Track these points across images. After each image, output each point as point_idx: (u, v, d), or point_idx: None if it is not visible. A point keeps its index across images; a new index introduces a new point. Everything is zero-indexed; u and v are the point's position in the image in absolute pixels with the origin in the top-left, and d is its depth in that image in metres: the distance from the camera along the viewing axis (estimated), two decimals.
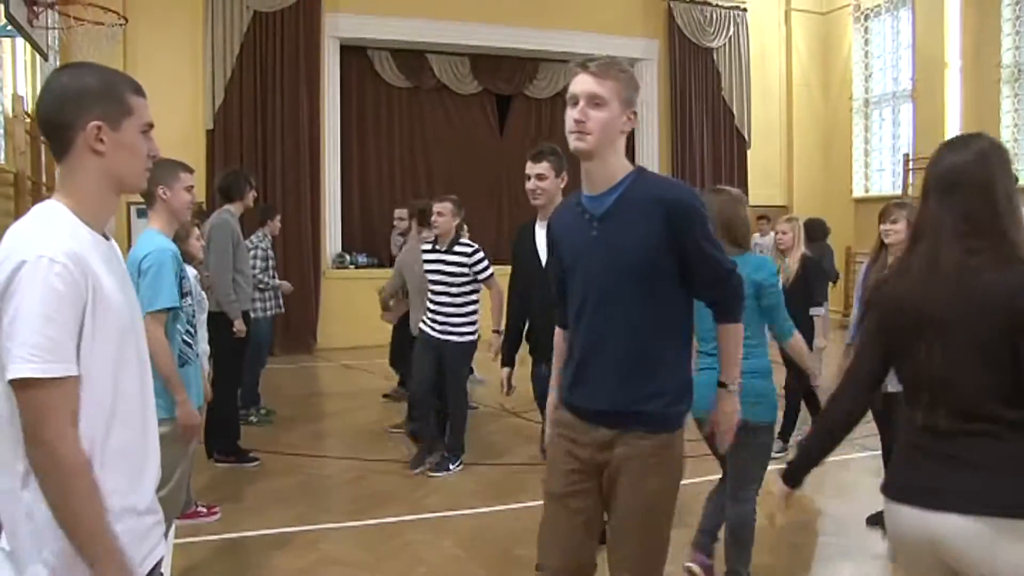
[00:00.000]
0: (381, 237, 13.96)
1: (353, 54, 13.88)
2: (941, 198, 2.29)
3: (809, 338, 5.98)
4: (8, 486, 1.78)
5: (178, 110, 11.51)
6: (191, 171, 4.03)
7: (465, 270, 6.14)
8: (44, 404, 1.69)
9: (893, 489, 2.31)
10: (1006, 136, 13.60)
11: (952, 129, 14.27)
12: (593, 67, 2.68)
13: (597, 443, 2.74)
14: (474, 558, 4.73)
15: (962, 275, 2.18)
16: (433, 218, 6.27)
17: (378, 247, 13.57)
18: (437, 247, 6.30)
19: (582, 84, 2.69)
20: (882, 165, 16.23)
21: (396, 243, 9.63)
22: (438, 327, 6.23)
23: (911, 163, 14.90)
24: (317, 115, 13.11)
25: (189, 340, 3.89)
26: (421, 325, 6.41)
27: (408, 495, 5.80)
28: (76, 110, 1.86)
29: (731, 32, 15.82)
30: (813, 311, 6.36)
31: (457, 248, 6.22)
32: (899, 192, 15.01)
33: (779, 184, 16.38)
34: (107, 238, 1.97)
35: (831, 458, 2.54)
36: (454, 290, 6.17)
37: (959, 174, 2.28)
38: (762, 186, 15.90)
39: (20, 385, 1.69)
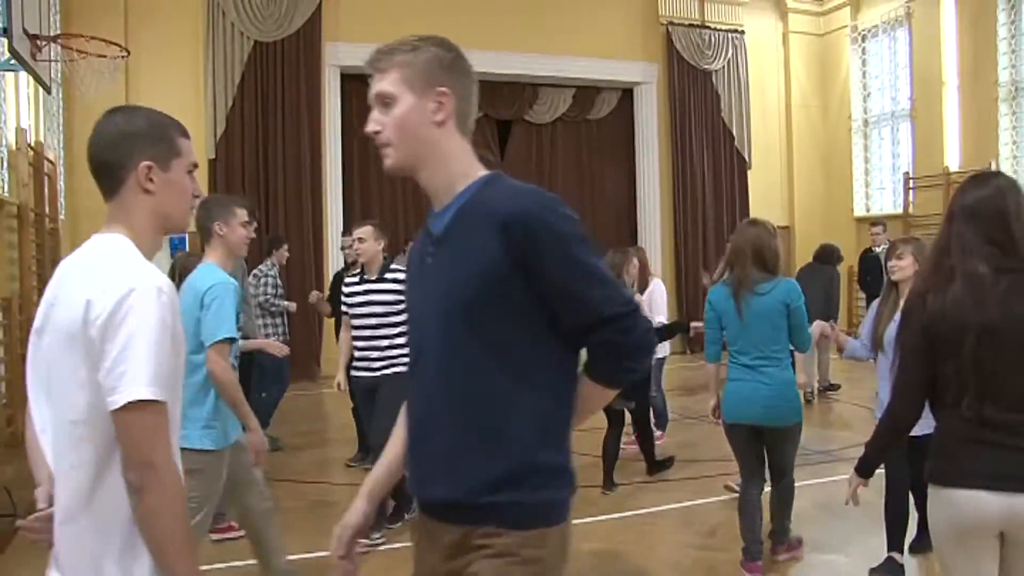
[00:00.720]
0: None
1: (354, 82, 13.92)
2: (966, 222, 2.66)
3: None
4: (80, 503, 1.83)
5: None
6: (246, 207, 4.11)
7: (402, 297, 5.10)
8: (154, 427, 1.76)
9: (952, 476, 2.59)
10: (1005, 153, 13.65)
11: (951, 147, 14.35)
12: (372, 60, 2.03)
13: (445, 547, 1.98)
14: None
15: (1007, 287, 2.55)
16: (355, 246, 5.69)
17: None
18: (365, 277, 5.64)
19: (372, 87, 2.03)
20: (882, 184, 16.29)
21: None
22: (376, 363, 5.56)
23: (911, 181, 14.96)
24: (319, 143, 13.19)
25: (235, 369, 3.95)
26: (353, 372, 5.78)
27: None
28: (129, 150, 1.94)
29: (729, 54, 15.92)
30: None
31: (389, 275, 5.57)
32: (900, 211, 15.07)
33: (780, 204, 16.42)
34: None
35: None
36: (392, 318, 5.48)
37: (981, 204, 2.66)
38: (763, 206, 15.91)
39: (132, 407, 1.73)
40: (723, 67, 15.88)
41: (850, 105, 16.58)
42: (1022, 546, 2.54)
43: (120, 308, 1.76)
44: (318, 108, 13.21)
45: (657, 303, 7.35)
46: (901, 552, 4.56)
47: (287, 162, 12.88)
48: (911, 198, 15.01)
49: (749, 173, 16.11)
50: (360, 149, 14.27)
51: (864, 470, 2.94)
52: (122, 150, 1.94)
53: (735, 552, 4.70)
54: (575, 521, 2.07)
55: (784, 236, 16.16)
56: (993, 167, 13.37)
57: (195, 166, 2.07)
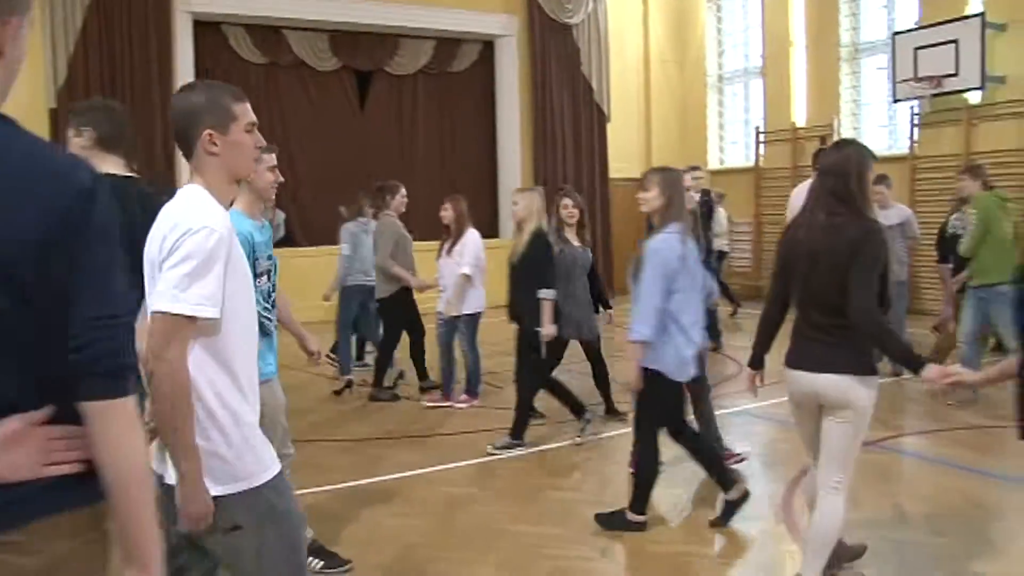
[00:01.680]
0: None
1: (207, 30, 13.46)
2: (820, 179, 3.65)
3: (537, 322, 6.05)
4: None
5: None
6: (273, 151, 4.03)
7: None
8: (172, 331, 2.15)
9: (789, 360, 3.64)
10: (845, 111, 14.33)
11: (798, 104, 14.97)
12: None
13: None
14: None
15: (832, 228, 3.48)
16: None
17: None
18: None
19: None
20: (735, 138, 16.87)
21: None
22: None
23: (761, 136, 15.55)
24: (170, 93, 12.64)
25: (267, 315, 3.76)
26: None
27: None
28: (193, 123, 2.36)
29: (590, 8, 16.05)
30: (542, 294, 6.06)
31: None
32: (751, 164, 15.67)
33: (638, 157, 16.79)
34: None
35: None
36: None
37: (831, 166, 3.59)
38: (622, 159, 16.29)
39: (157, 316, 2.17)
40: (583, 21, 16.00)
41: (705, 61, 17.03)
42: (828, 412, 3.52)
43: (177, 242, 2.20)
44: (169, 56, 12.66)
45: (464, 254, 7.13)
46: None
47: (137, 112, 12.32)
48: (761, 152, 15.62)
49: (608, 126, 16.38)
50: None
51: (755, 363, 3.89)
52: (188, 123, 2.36)
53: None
54: None
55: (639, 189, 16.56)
56: (835, 124, 14.09)
57: (253, 124, 2.44)
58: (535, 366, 6.23)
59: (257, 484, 2.36)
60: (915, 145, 13.01)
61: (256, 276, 3.78)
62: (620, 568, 4.28)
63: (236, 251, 2.34)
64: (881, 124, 14.15)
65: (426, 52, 15.44)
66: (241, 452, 2.33)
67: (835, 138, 14.04)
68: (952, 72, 11.97)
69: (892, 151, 13.28)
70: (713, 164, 16.77)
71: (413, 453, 6.06)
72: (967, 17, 11.94)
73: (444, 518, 4.85)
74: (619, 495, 5.03)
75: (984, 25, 11.65)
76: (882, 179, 7.67)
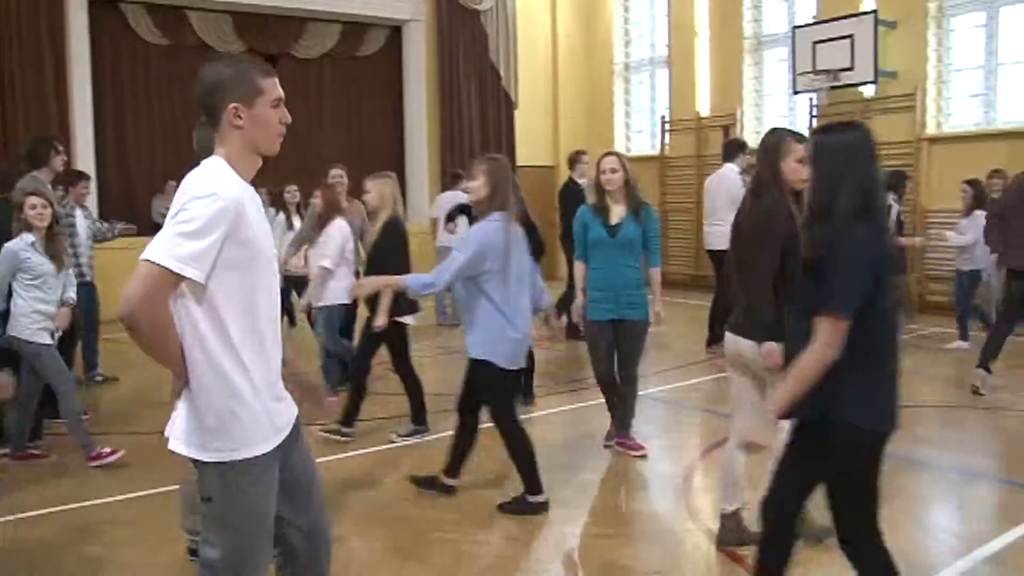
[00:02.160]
0: (143, 203, 13.31)
1: (104, 9, 13.04)
2: (758, 163, 3.96)
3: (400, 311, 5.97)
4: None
5: None
6: None
7: None
8: (147, 280, 2.21)
9: (728, 327, 4.06)
10: (748, 101, 14.67)
11: (702, 94, 15.26)
12: None
13: None
14: None
15: (751, 206, 3.95)
16: None
17: (139, 214, 12.90)
18: None
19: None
20: (641, 126, 17.11)
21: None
22: None
23: (667, 125, 15.81)
24: (64, 75, 12.23)
25: None
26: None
27: None
28: (220, 96, 2.41)
29: None
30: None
31: None
32: (656, 152, 15.92)
33: (545, 144, 16.91)
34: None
35: None
36: None
37: (761, 153, 3.93)
38: (529, 146, 16.38)
39: (142, 263, 2.22)
40: (492, 7, 16.00)
41: (613, 50, 17.22)
42: (756, 374, 3.93)
43: (183, 205, 2.27)
44: (62, 36, 12.21)
45: (328, 245, 6.72)
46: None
47: (28, 95, 11.89)
48: (667, 140, 15.88)
49: (516, 112, 16.44)
50: (113, 81, 13.39)
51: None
52: (215, 96, 2.41)
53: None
54: None
55: (548, 176, 16.79)
56: (738, 114, 14.42)
57: (280, 100, 2.48)
58: (361, 350, 6.22)
59: (228, 460, 2.38)
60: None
61: None
62: (522, 549, 4.34)
63: (249, 228, 2.35)
64: (782, 115, 14.51)
65: (332, 36, 15.24)
66: (224, 423, 2.37)
67: (738, 128, 14.43)
68: (848, 66, 12.38)
69: None
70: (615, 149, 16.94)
71: (315, 444, 6.03)
72: (861, 14, 12.34)
73: (339, 502, 4.84)
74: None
75: (877, 22, 12.07)
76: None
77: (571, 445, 6.00)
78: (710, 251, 9.40)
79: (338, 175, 7.96)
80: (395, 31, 15.77)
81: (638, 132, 17.21)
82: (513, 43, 16.27)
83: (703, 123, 15.08)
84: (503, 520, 4.62)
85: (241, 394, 2.38)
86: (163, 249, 2.22)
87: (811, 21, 13.21)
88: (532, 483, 4.71)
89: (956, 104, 12.24)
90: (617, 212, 5.44)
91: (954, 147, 11.74)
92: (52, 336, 5.54)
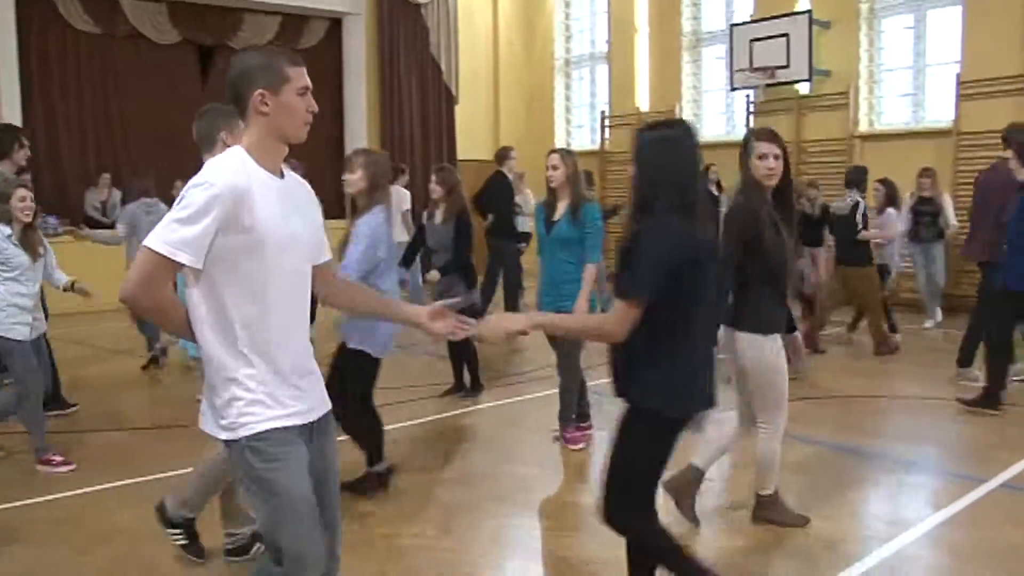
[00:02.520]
0: (76, 196, 13.00)
1: None
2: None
3: None
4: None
5: None
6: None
7: None
8: (145, 265, 2.33)
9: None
10: (687, 97, 14.85)
11: (642, 90, 15.40)
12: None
13: None
14: None
15: (733, 201, 4.25)
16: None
17: (72, 207, 12.61)
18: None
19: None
20: (581, 121, 17.21)
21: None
22: None
23: (607, 120, 15.92)
24: None
25: None
26: None
27: None
28: (247, 82, 2.44)
29: None
30: None
31: None
32: (596, 147, 16.02)
33: (486, 139, 16.91)
34: (282, 175, 2.55)
35: None
36: None
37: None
38: (469, 140, 16.37)
39: (143, 249, 2.34)
40: (432, 1, 15.95)
41: (553, 45, 17.28)
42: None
43: (183, 193, 2.37)
44: None
45: None
46: None
47: None
48: (606, 135, 16.00)
49: (457, 107, 16.41)
50: (41, 69, 13.04)
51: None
52: (242, 84, 2.45)
53: None
54: None
55: (488, 170, 16.67)
56: (677, 110, 14.58)
57: (306, 88, 2.50)
58: None
59: (234, 438, 2.45)
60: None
61: None
62: (458, 542, 4.35)
63: (251, 215, 2.37)
64: (719, 111, 14.73)
65: (271, 28, 15.06)
66: (227, 402, 2.44)
67: None
68: (784, 64, 12.61)
69: (730, 137, 13.83)
70: (560, 147, 17.03)
71: None
72: (797, 13, 12.57)
73: None
74: (469, 474, 5.14)
75: (811, 22, 12.31)
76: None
77: (510, 438, 6.04)
78: None
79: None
80: (335, 24, 15.64)
81: (578, 127, 17.31)
82: (454, 38, 16.24)
83: (643, 119, 15.21)
84: (439, 514, 4.62)
85: (239, 379, 2.43)
86: (159, 235, 2.33)
87: (748, 19, 13.43)
88: (376, 455, 4.87)
89: (887, 103, 12.54)
90: (560, 208, 5.55)
91: (885, 145, 12.03)
92: (31, 331, 5.35)
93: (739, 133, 13.94)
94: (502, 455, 5.57)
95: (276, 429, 2.44)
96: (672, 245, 2.78)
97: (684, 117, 14.60)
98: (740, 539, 4.24)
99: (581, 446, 5.72)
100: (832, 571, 3.82)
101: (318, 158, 15.09)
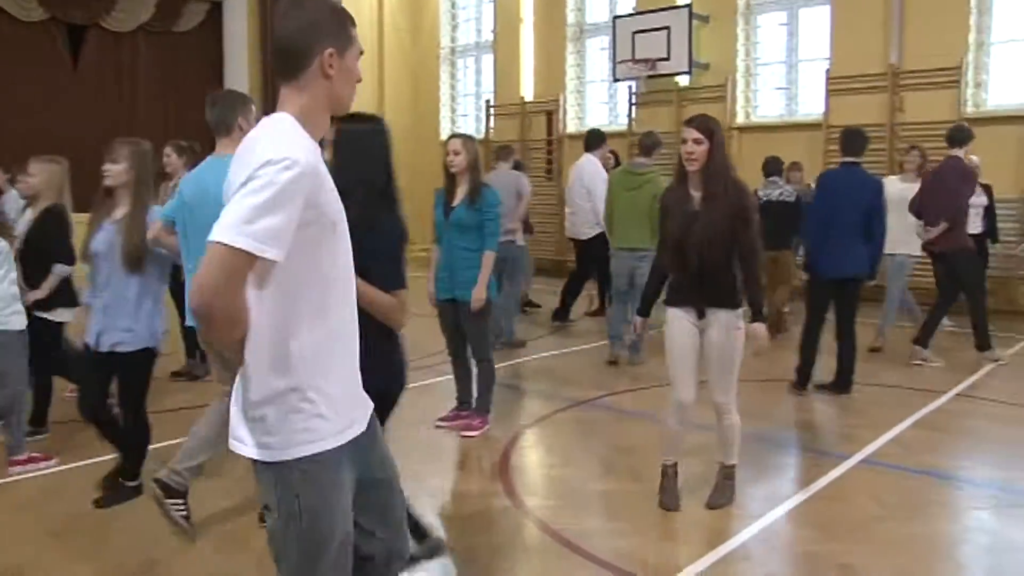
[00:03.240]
0: None
1: None
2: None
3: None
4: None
5: None
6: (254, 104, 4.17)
7: None
8: (220, 263, 1.87)
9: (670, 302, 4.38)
10: (570, 88, 15.04)
11: (527, 79, 15.52)
12: None
13: None
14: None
15: None
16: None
17: None
18: None
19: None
20: (467, 110, 17.23)
21: None
22: None
23: (492, 109, 15.99)
24: None
25: None
26: None
27: None
28: (315, 37, 2.06)
29: None
30: (57, 269, 5.41)
31: None
32: (481, 136, 16.07)
33: None
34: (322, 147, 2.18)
35: None
36: None
37: None
38: None
39: (212, 245, 1.87)
40: None
41: (439, 33, 17.24)
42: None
43: (254, 173, 1.90)
44: None
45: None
46: None
47: None
48: (491, 124, 16.06)
49: None
50: None
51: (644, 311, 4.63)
52: (310, 37, 2.06)
53: None
54: None
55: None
56: (561, 100, 14.76)
57: (361, 53, 2.20)
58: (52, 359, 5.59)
59: (285, 458, 2.05)
60: (633, 122, 13.88)
61: None
62: None
63: (324, 195, 2.03)
64: (603, 101, 14.97)
65: (147, 9, 14.58)
66: (280, 417, 2.05)
67: (560, 113, 14.77)
68: (664, 56, 12.90)
69: (612, 127, 14.07)
70: (445, 135, 16.97)
71: None
72: (677, 7, 12.88)
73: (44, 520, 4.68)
74: None
75: (691, 16, 12.64)
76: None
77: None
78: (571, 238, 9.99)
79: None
80: (215, 7, 15.25)
81: (463, 116, 17.33)
82: None
83: (527, 108, 15.35)
84: None
85: (300, 388, 2.06)
86: (236, 227, 1.86)
87: (630, 12, 13.68)
88: (135, 470, 4.52)
89: (762, 96, 12.98)
90: (459, 195, 5.58)
91: (761, 136, 12.44)
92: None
93: (621, 123, 14.24)
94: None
95: (334, 449, 2.11)
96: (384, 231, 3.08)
97: (567, 107, 14.81)
98: (622, 522, 4.36)
99: (472, 433, 5.75)
100: (706, 548, 3.96)
101: (199, 143, 14.70)
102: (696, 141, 4.13)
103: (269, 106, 15.12)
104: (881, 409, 6.31)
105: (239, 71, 15.17)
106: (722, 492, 4.50)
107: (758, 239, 4.22)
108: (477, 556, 3.98)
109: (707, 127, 4.15)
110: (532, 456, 5.56)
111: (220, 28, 15.30)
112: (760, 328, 4.25)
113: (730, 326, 4.23)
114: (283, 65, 2.11)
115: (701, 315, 4.29)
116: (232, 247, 1.84)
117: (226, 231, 1.86)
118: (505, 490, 4.79)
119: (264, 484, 2.10)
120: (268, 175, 1.88)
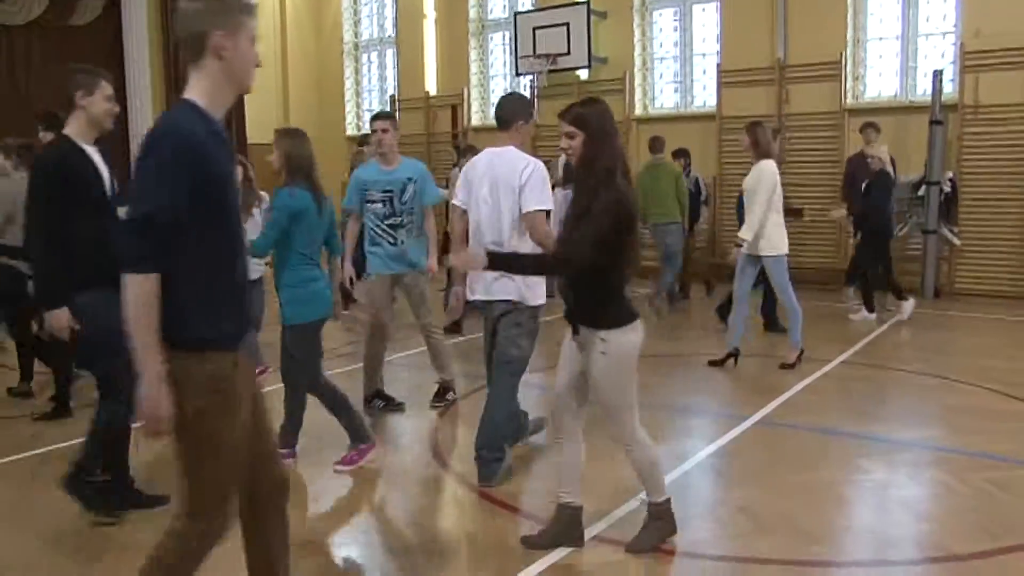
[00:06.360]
0: None
1: None
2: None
3: None
4: None
5: None
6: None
7: None
8: (543, 220, 3.85)
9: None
10: (474, 82, 15.37)
11: (431, 74, 15.77)
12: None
13: None
14: None
15: None
16: None
17: None
18: None
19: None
20: (372, 106, 17.37)
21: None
22: None
23: (398, 103, 16.18)
24: None
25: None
26: None
27: None
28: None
29: None
30: None
31: None
32: None
33: (276, 123, 16.71)
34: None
35: None
36: None
37: None
38: (259, 128, 16.06)
39: (542, 212, 4.34)
40: None
41: (342, 28, 17.34)
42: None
43: (533, 171, 4.33)
44: None
45: None
46: None
47: None
48: (398, 118, 16.23)
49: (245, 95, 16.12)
50: None
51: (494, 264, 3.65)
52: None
53: None
54: None
55: None
56: (465, 94, 15.07)
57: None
58: None
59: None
60: (535, 115, 14.24)
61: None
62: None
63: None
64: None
65: (40, 2, 14.27)
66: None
67: (464, 107, 15.08)
68: (564, 51, 13.35)
69: None
70: (351, 131, 17.17)
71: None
72: (575, 3, 13.33)
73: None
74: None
75: (590, 12, 13.11)
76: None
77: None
78: None
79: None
80: (113, 0, 15.01)
81: (368, 111, 17.45)
82: None
83: (432, 102, 15.61)
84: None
85: None
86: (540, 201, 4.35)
87: (531, 8, 14.09)
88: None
89: (658, 89, 13.55)
90: None
91: (658, 127, 12.92)
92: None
93: None
94: (314, 426, 5.75)
95: None
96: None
97: (471, 101, 15.13)
98: (538, 481, 4.72)
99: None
100: (622, 499, 4.35)
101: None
102: (569, 135, 3.59)
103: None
104: (775, 376, 6.88)
105: (141, 66, 14.93)
106: (642, 536, 3.84)
107: (592, 239, 3.43)
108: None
109: (580, 118, 3.57)
110: (460, 431, 5.89)
111: (119, 22, 15.05)
112: (470, 256, 3.56)
113: (596, 347, 3.65)
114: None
115: (575, 331, 3.74)
116: (543, 210, 4.44)
117: (537, 205, 4.48)
118: (440, 461, 5.10)
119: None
120: (541, 172, 4.51)
